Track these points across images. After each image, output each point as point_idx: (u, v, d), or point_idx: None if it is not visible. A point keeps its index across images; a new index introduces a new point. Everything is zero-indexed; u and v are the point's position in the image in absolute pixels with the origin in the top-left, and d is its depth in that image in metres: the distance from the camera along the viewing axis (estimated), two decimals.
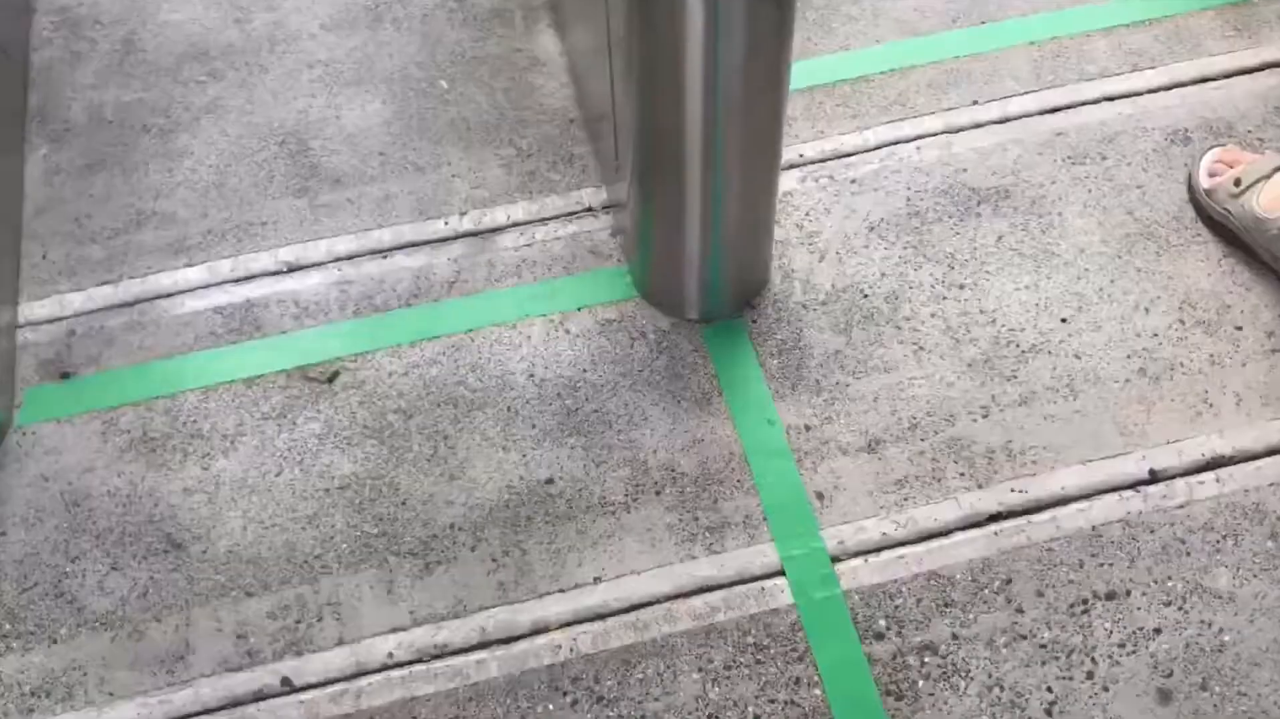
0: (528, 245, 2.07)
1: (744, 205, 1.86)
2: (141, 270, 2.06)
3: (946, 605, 1.70)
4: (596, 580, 1.74)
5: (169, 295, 2.03)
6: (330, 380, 1.93)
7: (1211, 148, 2.08)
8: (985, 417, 1.86)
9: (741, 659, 1.67)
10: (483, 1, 2.39)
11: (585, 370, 1.93)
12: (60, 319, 2.01)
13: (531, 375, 1.92)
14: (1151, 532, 1.75)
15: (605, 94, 1.92)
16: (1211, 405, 1.86)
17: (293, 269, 2.06)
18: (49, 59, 2.33)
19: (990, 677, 1.65)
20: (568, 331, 1.97)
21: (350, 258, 2.07)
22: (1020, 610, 1.70)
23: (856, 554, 1.75)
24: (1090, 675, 1.65)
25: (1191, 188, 2.06)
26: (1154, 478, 1.80)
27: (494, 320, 1.99)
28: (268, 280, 2.05)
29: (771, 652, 1.67)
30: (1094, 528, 1.76)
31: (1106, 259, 2.02)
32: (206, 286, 2.04)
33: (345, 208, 2.12)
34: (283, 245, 2.08)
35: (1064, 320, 1.95)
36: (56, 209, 2.13)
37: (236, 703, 1.67)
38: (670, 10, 1.53)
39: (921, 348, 1.93)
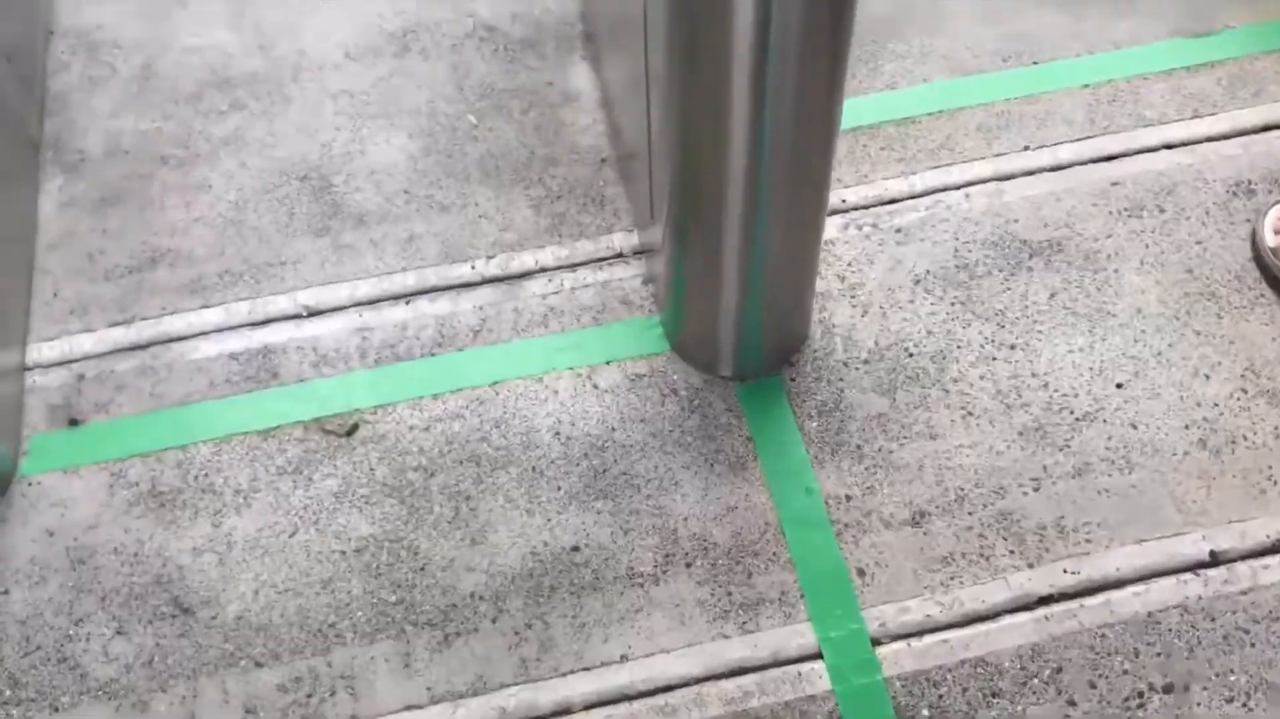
0: (556, 293, 1.99)
1: (786, 256, 1.77)
2: (155, 311, 1.98)
3: (994, 695, 1.61)
4: (623, 659, 1.65)
5: (183, 339, 1.96)
6: (349, 434, 1.85)
7: (1277, 202, 1.97)
8: (1036, 489, 1.76)
9: None
10: (514, 31, 2.31)
11: (614, 429, 1.84)
12: (70, 362, 1.94)
13: (558, 433, 1.84)
14: (1212, 620, 1.65)
15: (641, 132, 1.83)
16: (1277, 483, 1.76)
17: (312, 314, 1.98)
18: (66, 85, 2.26)
19: None
20: (596, 387, 1.88)
21: (372, 303, 1.99)
22: (1072, 703, 1.60)
23: (899, 637, 1.65)
24: None
25: (1256, 245, 1.96)
26: (1215, 560, 1.70)
27: (520, 373, 1.90)
28: (286, 325, 1.97)
29: None
30: (1150, 614, 1.66)
31: (1164, 320, 1.91)
32: (222, 330, 1.96)
33: (368, 249, 2.04)
34: (302, 288, 2.00)
35: (1119, 386, 1.85)
36: (69, 244, 2.06)
37: None
38: (716, 45, 1.42)
39: (970, 413, 1.83)
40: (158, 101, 2.24)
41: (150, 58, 2.31)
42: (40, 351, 1.95)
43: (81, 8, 2.39)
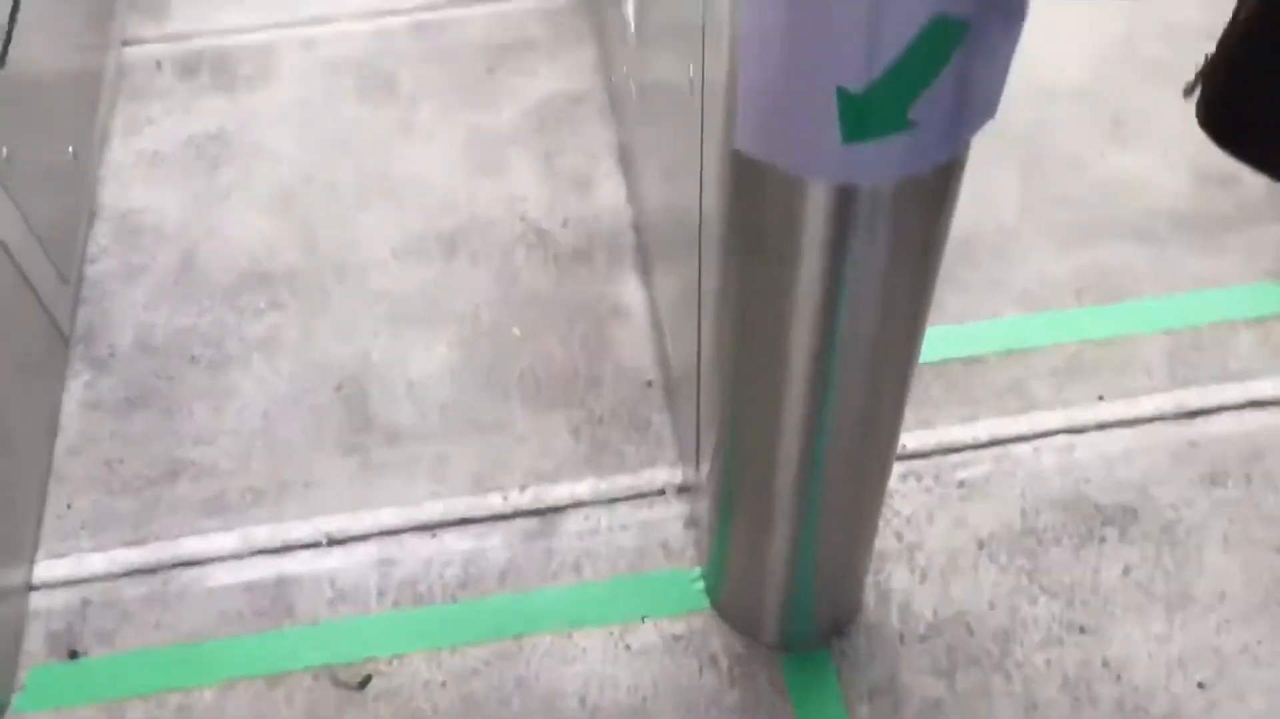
0: (592, 533, 1.87)
1: (843, 516, 1.63)
2: (172, 532, 1.88)
3: None
4: None
5: (198, 564, 1.85)
6: (361, 686, 1.72)
7: None
8: None
9: None
10: (565, 237, 2.23)
11: (645, 700, 1.70)
12: (77, 583, 1.83)
13: (584, 700, 1.70)
14: None
15: (690, 359, 1.72)
16: None
17: (333, 543, 1.87)
18: (103, 273, 2.20)
19: None
20: (628, 648, 1.75)
21: (396, 533, 1.88)
22: None
23: None
24: None
25: None
26: None
27: (547, 626, 1.77)
28: (305, 555, 1.86)
29: None
30: None
31: (1252, 609, 1.75)
32: (239, 557, 1.86)
33: (397, 471, 1.94)
34: (326, 513, 1.90)
35: (1201, 685, 1.69)
36: (90, 449, 1.98)
37: None
38: (779, 268, 1.23)
39: (1034, 705, 1.68)
40: (194, 294, 2.17)
41: (191, 245, 2.25)
42: (48, 569, 1.85)
43: (128, 188, 2.35)
